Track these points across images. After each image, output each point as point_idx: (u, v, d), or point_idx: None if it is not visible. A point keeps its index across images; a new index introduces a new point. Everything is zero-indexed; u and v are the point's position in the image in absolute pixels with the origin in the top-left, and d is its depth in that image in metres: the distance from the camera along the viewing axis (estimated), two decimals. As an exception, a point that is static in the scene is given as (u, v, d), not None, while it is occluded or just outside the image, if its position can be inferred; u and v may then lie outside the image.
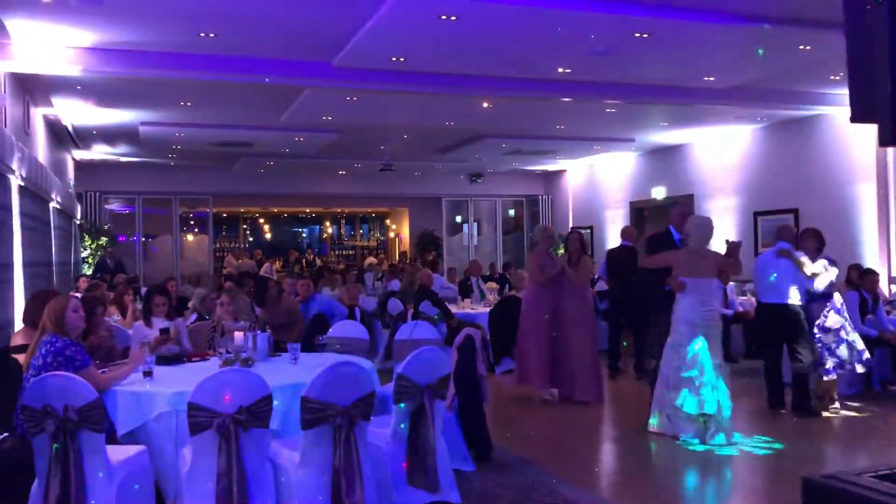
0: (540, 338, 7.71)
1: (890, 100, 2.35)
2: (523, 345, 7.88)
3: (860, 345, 7.25)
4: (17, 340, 5.27)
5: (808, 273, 7.09)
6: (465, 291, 11.92)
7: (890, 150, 10.36)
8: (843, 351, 7.10)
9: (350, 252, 24.43)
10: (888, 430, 6.74)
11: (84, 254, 14.72)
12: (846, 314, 7.30)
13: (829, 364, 7.11)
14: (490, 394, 6.09)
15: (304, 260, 22.93)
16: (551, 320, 7.72)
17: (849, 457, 6.07)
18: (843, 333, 7.15)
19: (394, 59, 8.11)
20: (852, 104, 2.52)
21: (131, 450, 4.22)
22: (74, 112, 11.02)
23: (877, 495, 2.04)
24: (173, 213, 17.99)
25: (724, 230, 13.49)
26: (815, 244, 7.26)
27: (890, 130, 2.37)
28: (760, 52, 7.44)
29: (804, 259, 7.15)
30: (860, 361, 7.22)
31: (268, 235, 24.72)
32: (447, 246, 20.06)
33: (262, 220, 24.62)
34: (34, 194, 8.51)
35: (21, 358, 4.61)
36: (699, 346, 6.18)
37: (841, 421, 6.97)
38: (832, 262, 7.21)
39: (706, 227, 6.48)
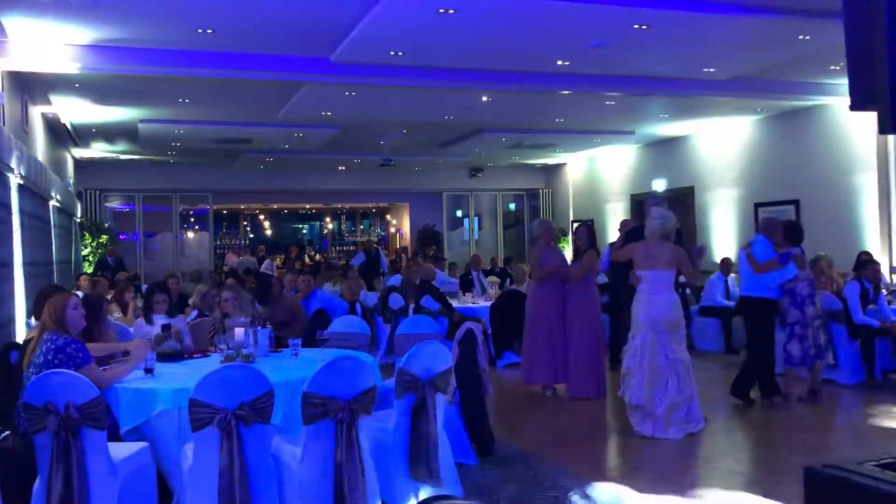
0: (546, 334, 7.68)
1: (889, 87, 2.34)
2: (529, 343, 7.83)
3: (821, 341, 7.25)
4: (30, 336, 5.26)
5: (756, 268, 7.07)
6: (467, 286, 11.93)
7: (890, 138, 10.35)
8: (794, 347, 7.13)
9: (351, 248, 24.41)
10: (889, 419, 6.73)
11: (84, 252, 14.73)
12: (813, 309, 7.21)
13: (794, 354, 7.14)
14: (492, 387, 6.09)
15: (305, 256, 22.92)
16: (557, 316, 7.69)
17: (850, 446, 6.06)
18: (797, 329, 7.13)
19: (392, 53, 8.09)
20: (852, 92, 2.51)
21: (134, 447, 4.23)
22: (73, 110, 11.01)
23: (879, 484, 2.04)
24: (173, 210, 18.01)
25: (726, 221, 13.52)
26: (780, 237, 7.24)
27: (889, 117, 2.35)
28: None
29: (752, 253, 7.15)
30: (820, 358, 7.24)
31: (268, 232, 24.72)
32: (448, 240, 20.05)
33: (262, 217, 24.61)
34: (34, 193, 8.51)
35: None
36: (643, 338, 6.21)
37: (842, 410, 6.96)
38: (785, 256, 7.06)
39: (658, 220, 6.47)
